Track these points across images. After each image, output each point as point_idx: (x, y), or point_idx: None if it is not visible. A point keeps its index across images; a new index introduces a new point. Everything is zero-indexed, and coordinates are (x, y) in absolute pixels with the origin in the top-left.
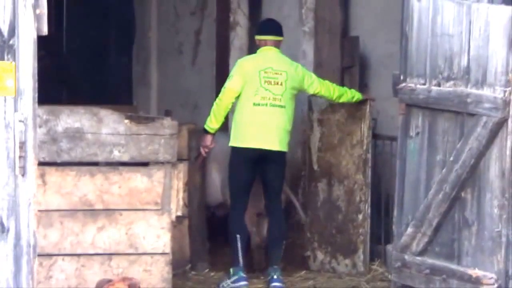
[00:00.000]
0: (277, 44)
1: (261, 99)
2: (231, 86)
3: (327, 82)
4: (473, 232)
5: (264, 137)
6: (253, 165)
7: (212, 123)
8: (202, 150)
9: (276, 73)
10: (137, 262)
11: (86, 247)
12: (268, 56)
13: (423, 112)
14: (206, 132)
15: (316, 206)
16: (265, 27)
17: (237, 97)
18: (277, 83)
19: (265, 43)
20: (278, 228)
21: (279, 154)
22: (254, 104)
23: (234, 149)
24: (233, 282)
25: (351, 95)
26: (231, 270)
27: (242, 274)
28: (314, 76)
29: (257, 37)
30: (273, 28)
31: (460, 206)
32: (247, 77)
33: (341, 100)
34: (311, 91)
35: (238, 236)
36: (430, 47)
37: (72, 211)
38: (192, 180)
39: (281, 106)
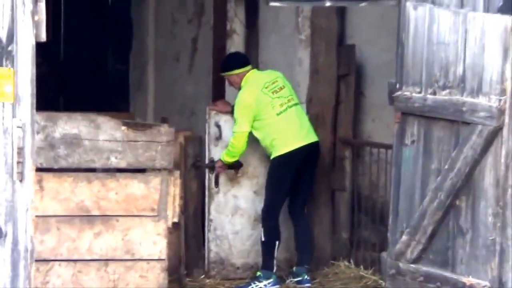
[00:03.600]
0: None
1: (280, 107)
2: (241, 129)
3: None
4: (467, 240)
5: (302, 134)
6: (295, 169)
7: (229, 159)
8: (218, 170)
9: (274, 82)
10: (133, 268)
11: (82, 253)
12: (257, 77)
13: (419, 120)
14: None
15: None
16: (239, 60)
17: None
18: (281, 88)
19: (245, 73)
20: (308, 228)
21: (318, 146)
22: (277, 114)
23: (278, 159)
24: (267, 285)
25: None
26: (261, 273)
27: (276, 278)
28: None
29: (237, 72)
30: (246, 58)
31: (455, 214)
32: (254, 107)
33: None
34: None
35: (277, 242)
36: (426, 55)
37: (69, 217)
38: (188, 187)
39: (296, 104)
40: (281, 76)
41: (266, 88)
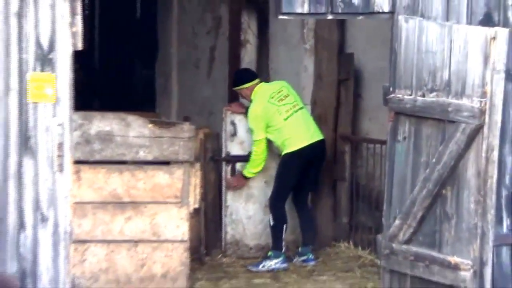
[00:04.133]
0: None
1: (286, 113)
2: (258, 137)
3: None
4: (452, 224)
5: (309, 134)
6: (302, 164)
7: (254, 169)
8: (234, 185)
9: (279, 91)
10: (159, 248)
11: (115, 235)
12: (263, 90)
13: (410, 120)
14: (244, 177)
15: None
16: (247, 75)
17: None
18: (286, 96)
19: (254, 86)
20: (310, 214)
21: (324, 145)
22: (284, 119)
23: (288, 155)
24: (276, 263)
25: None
26: (272, 253)
27: (284, 258)
28: None
29: (246, 86)
30: (254, 73)
31: (441, 201)
32: (265, 117)
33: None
34: None
35: (284, 226)
36: (416, 62)
37: (103, 203)
38: (207, 178)
39: (301, 108)
40: (285, 85)
41: (272, 98)
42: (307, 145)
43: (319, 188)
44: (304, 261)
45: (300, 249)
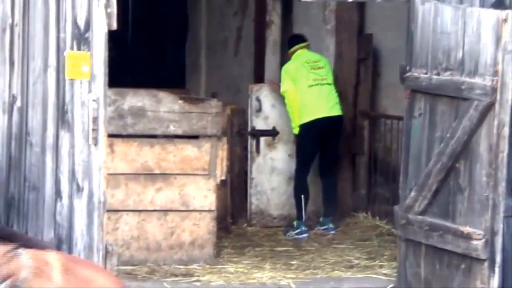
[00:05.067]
0: (307, 47)
1: (313, 81)
2: (284, 88)
3: None
4: (465, 196)
5: (326, 107)
6: (320, 135)
7: (294, 123)
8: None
9: (316, 61)
10: (188, 217)
11: (146, 204)
12: (304, 54)
13: (425, 97)
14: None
15: None
16: (295, 39)
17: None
18: (320, 68)
19: (298, 49)
20: (333, 186)
21: (341, 120)
22: (308, 86)
23: (303, 126)
24: (297, 234)
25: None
26: (295, 223)
27: (304, 228)
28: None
29: (292, 49)
30: (300, 37)
31: (455, 174)
32: (293, 73)
33: None
34: None
35: (302, 196)
36: (431, 42)
37: (135, 175)
38: (233, 151)
39: (329, 84)
40: (324, 60)
41: (308, 63)
42: (323, 117)
43: (338, 161)
44: (325, 230)
45: (321, 219)
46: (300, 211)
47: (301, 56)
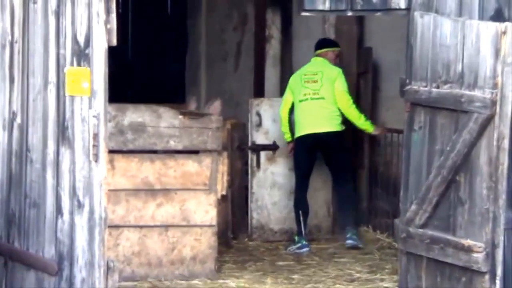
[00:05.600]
0: (322, 55)
1: (303, 96)
2: (283, 97)
3: (348, 101)
4: (465, 209)
5: (311, 124)
6: (311, 151)
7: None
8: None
9: (314, 74)
10: (189, 232)
11: (147, 220)
12: (312, 63)
13: (425, 110)
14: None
15: None
16: (316, 43)
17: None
18: (314, 81)
19: (317, 55)
20: (344, 198)
21: (329, 135)
22: (299, 101)
23: (295, 140)
24: (298, 248)
25: (360, 124)
26: (296, 238)
27: (304, 242)
28: (342, 88)
29: (315, 53)
30: (318, 43)
31: (455, 187)
32: (292, 86)
33: (348, 116)
34: (335, 90)
35: (300, 211)
36: (431, 56)
37: (135, 190)
38: (234, 166)
39: (321, 98)
40: (326, 72)
41: (305, 75)
42: (307, 134)
43: (347, 172)
44: (347, 238)
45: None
46: (299, 225)
47: (307, 66)
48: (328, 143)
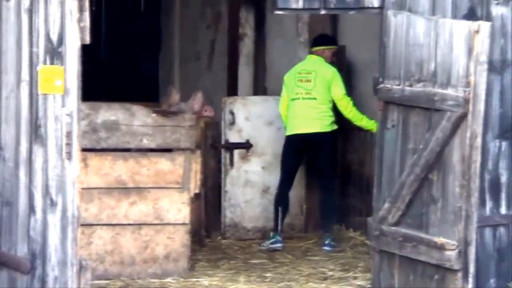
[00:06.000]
0: (319, 53)
1: (295, 95)
2: (281, 95)
3: (348, 105)
4: (438, 207)
5: (301, 124)
6: (299, 151)
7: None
8: None
9: (308, 73)
10: (162, 231)
11: (120, 218)
12: (308, 62)
13: (398, 108)
14: None
15: None
16: (313, 40)
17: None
18: (308, 80)
19: (313, 53)
20: (328, 202)
21: (318, 135)
22: (291, 99)
23: (285, 138)
24: (271, 243)
25: (364, 125)
26: (271, 233)
27: (279, 238)
28: (341, 91)
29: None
30: (315, 40)
31: (428, 185)
32: (287, 83)
33: (351, 119)
34: (333, 95)
35: (279, 208)
36: (404, 54)
37: (108, 189)
38: (207, 164)
39: (313, 98)
40: (320, 72)
41: (299, 74)
42: (297, 134)
43: (329, 176)
44: (321, 244)
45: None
46: (276, 221)
47: (302, 64)
48: (317, 143)
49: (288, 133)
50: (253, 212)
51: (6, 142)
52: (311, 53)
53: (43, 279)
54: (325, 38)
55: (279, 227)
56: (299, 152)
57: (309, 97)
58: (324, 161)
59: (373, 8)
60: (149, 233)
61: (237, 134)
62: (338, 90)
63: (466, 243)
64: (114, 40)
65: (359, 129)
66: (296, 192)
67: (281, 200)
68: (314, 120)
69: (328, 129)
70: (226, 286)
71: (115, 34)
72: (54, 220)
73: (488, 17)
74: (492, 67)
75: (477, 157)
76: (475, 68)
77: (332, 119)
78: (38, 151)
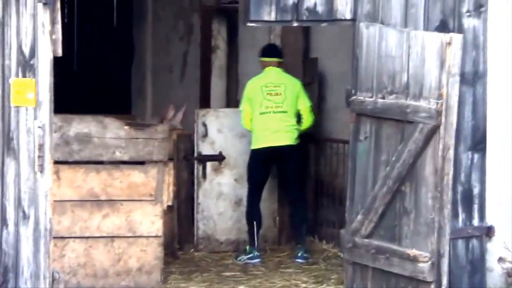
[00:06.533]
0: (278, 65)
1: (265, 108)
2: (242, 108)
3: (312, 116)
4: (411, 219)
5: (272, 137)
6: (266, 164)
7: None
8: None
9: (276, 86)
10: (135, 243)
11: (93, 231)
12: (270, 74)
13: (371, 120)
14: None
15: None
16: (269, 51)
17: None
18: (277, 94)
19: (269, 64)
20: (299, 213)
21: (288, 148)
22: (260, 113)
23: (251, 152)
24: (249, 258)
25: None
26: (247, 248)
27: (256, 253)
28: (308, 103)
29: (262, 59)
30: (276, 51)
31: (401, 197)
32: (251, 95)
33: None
34: (299, 107)
35: (254, 223)
36: (376, 66)
37: (81, 201)
38: (180, 176)
39: (283, 112)
40: (289, 85)
41: (266, 87)
42: (267, 147)
43: (295, 189)
44: (295, 257)
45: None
46: (251, 236)
47: (265, 76)
48: (287, 156)
49: (257, 146)
50: (225, 224)
51: None
52: (265, 64)
53: None
54: (275, 49)
55: (256, 242)
56: (267, 165)
57: (280, 111)
58: (295, 173)
59: (345, 20)
60: (122, 245)
61: (209, 146)
62: (306, 102)
63: (439, 255)
64: (87, 52)
65: (332, 140)
66: (269, 204)
67: (255, 214)
68: (284, 133)
69: (296, 141)
70: None
71: (87, 46)
72: (26, 232)
73: (460, 29)
74: (464, 79)
75: (450, 169)
76: (447, 80)
77: (298, 131)
78: (10, 163)
